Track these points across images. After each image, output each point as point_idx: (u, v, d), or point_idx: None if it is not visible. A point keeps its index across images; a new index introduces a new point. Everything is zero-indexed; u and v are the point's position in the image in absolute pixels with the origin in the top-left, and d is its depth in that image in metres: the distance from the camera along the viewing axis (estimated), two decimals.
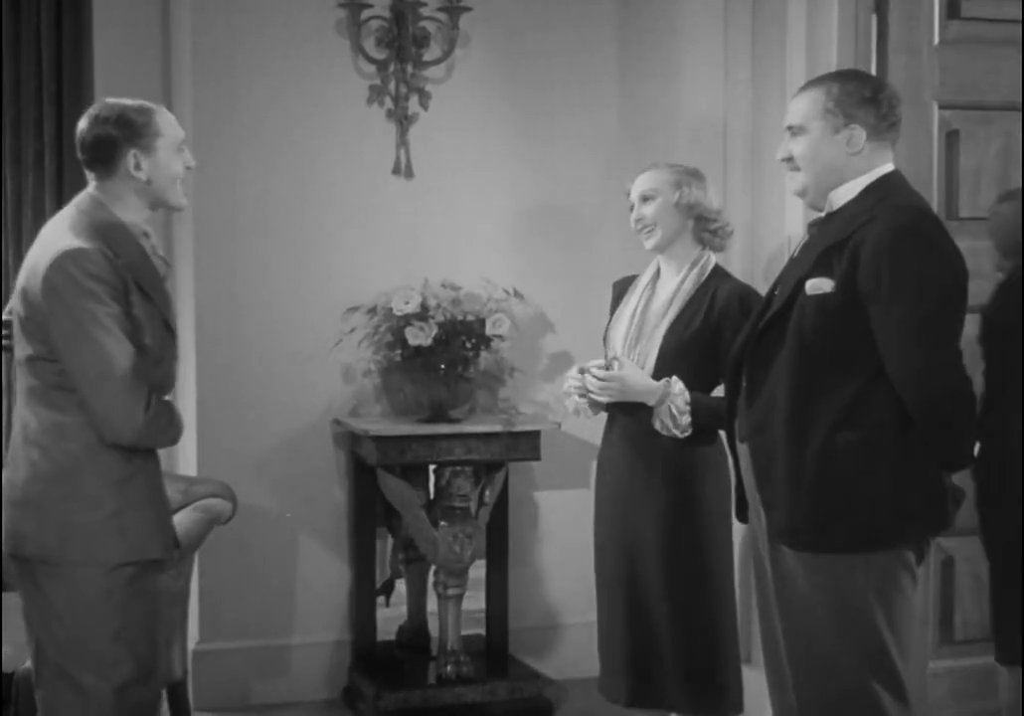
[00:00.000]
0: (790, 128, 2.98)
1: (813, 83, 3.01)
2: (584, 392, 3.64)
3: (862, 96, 2.91)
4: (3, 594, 3.71)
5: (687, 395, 3.51)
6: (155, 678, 3.04)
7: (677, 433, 3.53)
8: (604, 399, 3.62)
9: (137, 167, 2.96)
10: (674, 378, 3.52)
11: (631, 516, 3.64)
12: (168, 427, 2.97)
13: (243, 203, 4.52)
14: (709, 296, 3.59)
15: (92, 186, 3.01)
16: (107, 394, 2.85)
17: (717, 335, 3.54)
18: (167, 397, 3.04)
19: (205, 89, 4.46)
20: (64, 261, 2.83)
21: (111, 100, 3.02)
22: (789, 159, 2.99)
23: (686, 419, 3.51)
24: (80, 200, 3.00)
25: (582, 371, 3.65)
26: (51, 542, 2.91)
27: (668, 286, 3.68)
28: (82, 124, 2.99)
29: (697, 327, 3.56)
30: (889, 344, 2.81)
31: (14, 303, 2.98)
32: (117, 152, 2.95)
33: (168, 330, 3.01)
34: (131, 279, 2.90)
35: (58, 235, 2.91)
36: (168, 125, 3.01)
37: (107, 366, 2.83)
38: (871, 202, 2.88)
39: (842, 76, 3.02)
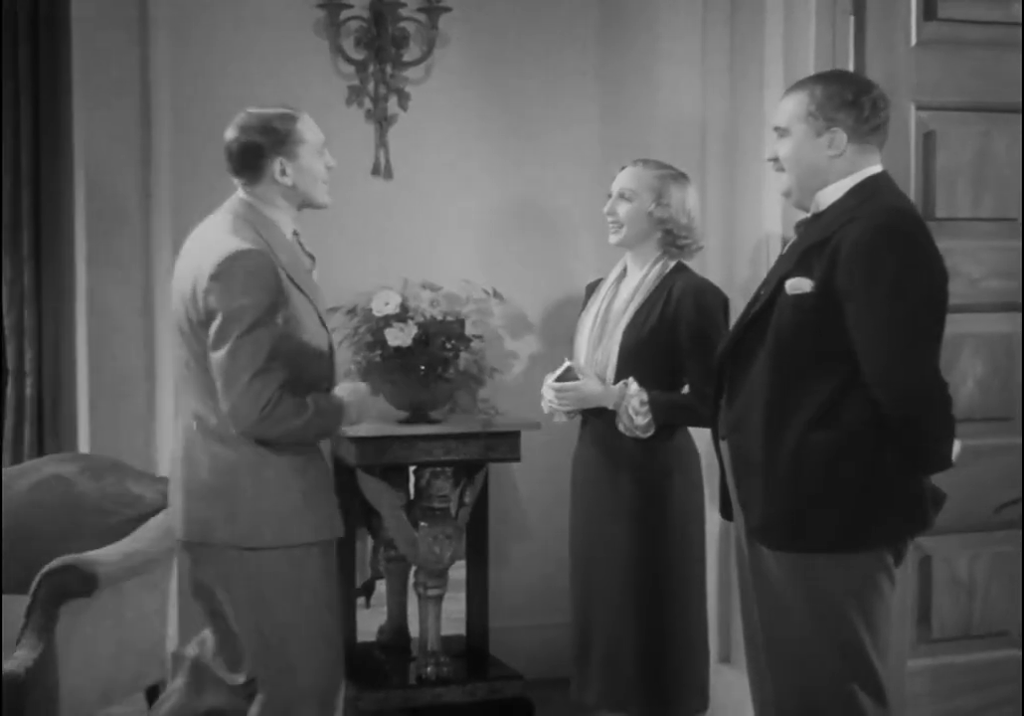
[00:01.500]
0: (776, 129, 3.00)
1: (799, 85, 3.01)
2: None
3: (843, 99, 2.91)
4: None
5: (643, 395, 3.53)
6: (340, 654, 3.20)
7: (639, 434, 3.56)
8: (564, 409, 3.66)
9: (283, 173, 3.10)
10: (630, 380, 3.55)
11: (601, 515, 3.65)
12: (291, 418, 3.00)
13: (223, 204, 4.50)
14: (666, 291, 3.61)
15: (240, 191, 3.14)
16: (232, 391, 2.96)
17: (674, 331, 3.56)
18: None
19: (183, 90, 4.45)
20: (231, 262, 2.96)
21: (255, 109, 3.15)
22: (775, 160, 3.01)
23: (642, 420, 3.54)
24: (232, 205, 3.14)
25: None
26: (245, 528, 3.04)
27: (631, 283, 3.69)
28: (229, 133, 3.12)
29: (654, 323, 3.58)
30: (864, 343, 2.81)
31: (183, 308, 3.06)
32: (264, 160, 3.09)
33: (322, 324, 3.14)
34: (288, 277, 3.03)
35: (220, 237, 3.04)
36: (310, 130, 3.14)
37: (239, 365, 2.95)
38: (854, 203, 2.89)
39: (826, 78, 3.02)
